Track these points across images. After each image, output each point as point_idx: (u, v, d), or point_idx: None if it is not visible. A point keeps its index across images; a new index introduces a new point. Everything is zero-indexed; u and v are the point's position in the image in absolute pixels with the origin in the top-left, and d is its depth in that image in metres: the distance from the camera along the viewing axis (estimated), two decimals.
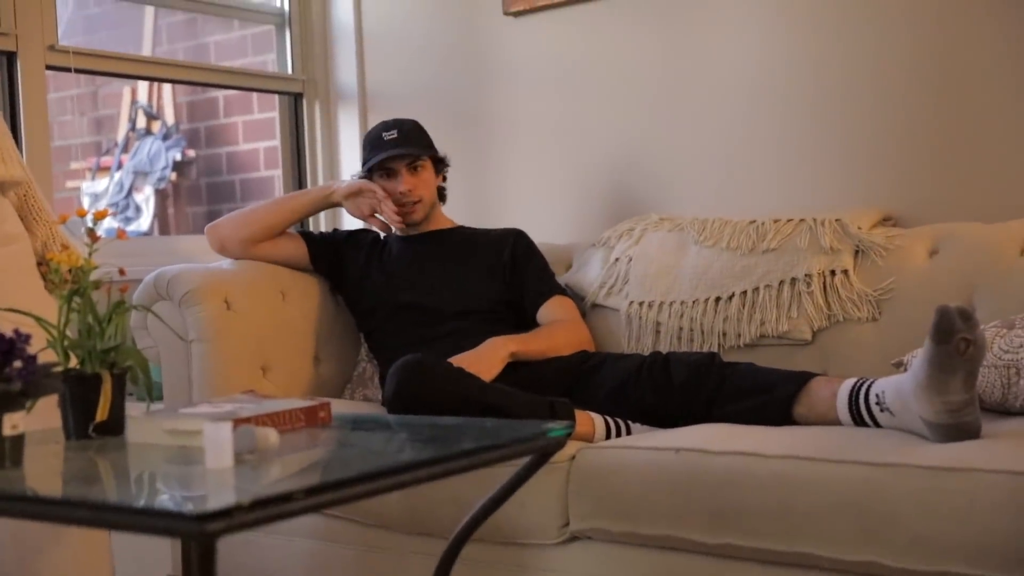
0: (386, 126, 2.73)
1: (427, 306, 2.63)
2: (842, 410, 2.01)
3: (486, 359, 2.38)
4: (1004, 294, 2.19)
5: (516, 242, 2.73)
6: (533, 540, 2.05)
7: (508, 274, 2.69)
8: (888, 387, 1.94)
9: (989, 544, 1.60)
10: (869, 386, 1.99)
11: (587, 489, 1.98)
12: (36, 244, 2.14)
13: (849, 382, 2.03)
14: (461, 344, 2.47)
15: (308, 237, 2.81)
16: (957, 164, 2.54)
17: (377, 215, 2.73)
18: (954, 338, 1.75)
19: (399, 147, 2.69)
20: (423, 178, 2.73)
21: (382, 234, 2.83)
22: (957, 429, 1.78)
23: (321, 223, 3.53)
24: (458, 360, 2.31)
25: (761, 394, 2.11)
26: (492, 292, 2.67)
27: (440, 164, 2.80)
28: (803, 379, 2.10)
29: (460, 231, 2.81)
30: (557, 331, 2.56)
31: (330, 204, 2.83)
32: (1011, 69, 2.47)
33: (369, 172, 2.74)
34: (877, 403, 1.95)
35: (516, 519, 2.02)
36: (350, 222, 3.47)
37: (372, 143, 2.74)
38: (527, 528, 2.04)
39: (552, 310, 2.63)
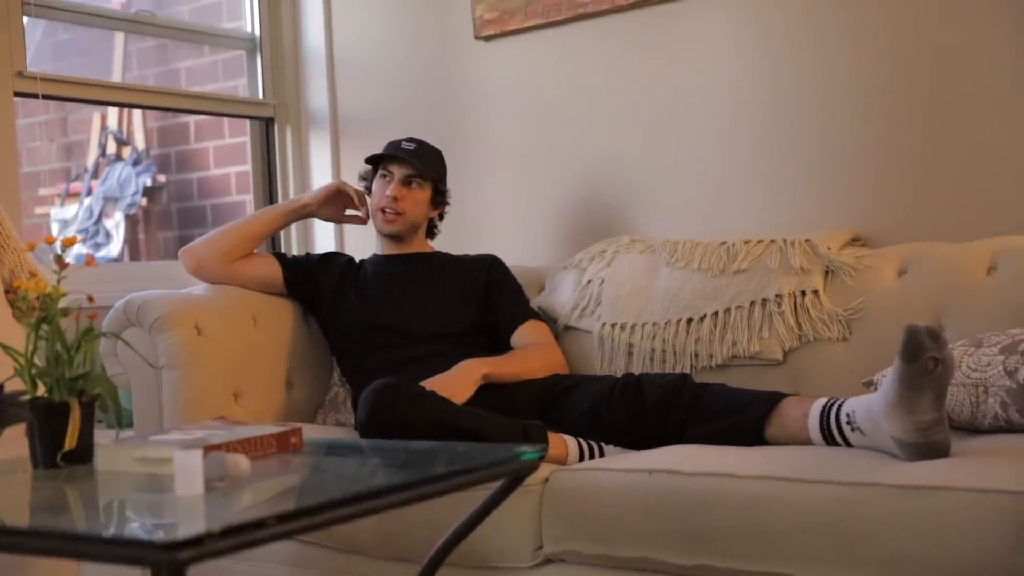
0: (410, 139, 2.77)
1: (400, 329, 2.62)
2: (813, 430, 2.02)
3: (459, 382, 2.38)
4: (972, 313, 2.21)
5: (491, 267, 2.73)
6: (507, 563, 2.04)
7: (482, 298, 2.69)
8: (858, 406, 1.95)
9: (960, 562, 1.61)
10: (840, 406, 2.00)
11: (561, 512, 1.97)
12: (4, 272, 2.12)
13: (820, 402, 2.04)
14: (434, 368, 2.46)
15: (282, 259, 2.80)
16: (925, 185, 2.57)
17: (350, 211, 2.83)
18: (923, 357, 1.77)
19: (407, 157, 2.71)
20: (415, 195, 2.72)
21: (357, 258, 2.83)
22: (927, 447, 1.79)
23: (293, 246, 3.53)
24: (430, 383, 2.31)
25: (733, 415, 2.12)
26: (466, 316, 2.67)
27: (439, 197, 2.79)
28: (774, 399, 2.11)
29: (436, 256, 2.81)
30: (530, 354, 2.56)
31: (304, 214, 2.86)
32: (981, 93, 2.50)
33: (373, 170, 2.78)
34: (848, 422, 1.96)
35: (490, 542, 2.01)
36: (322, 244, 3.47)
37: (389, 145, 2.77)
38: (501, 551, 2.03)
39: (526, 334, 2.63)
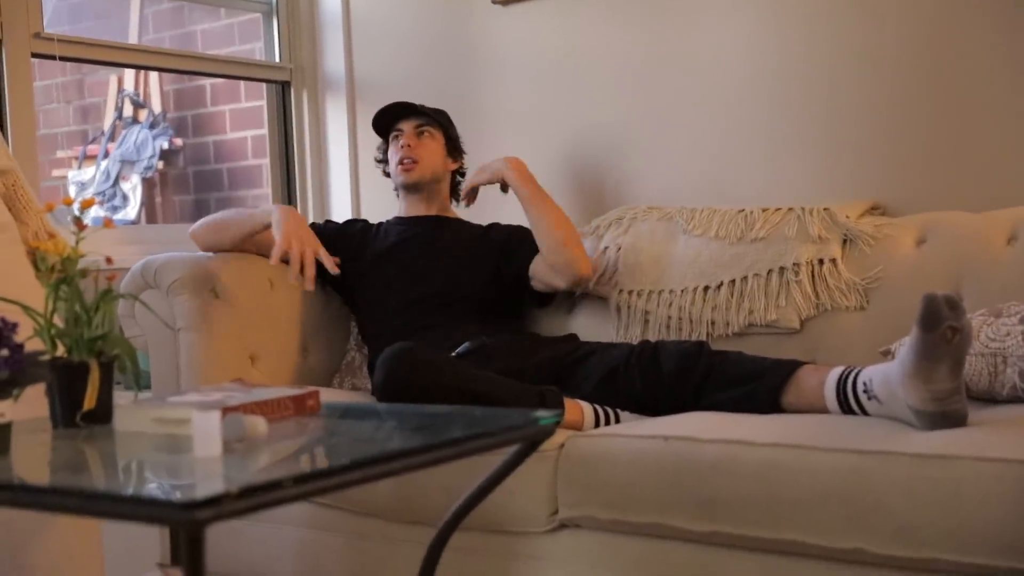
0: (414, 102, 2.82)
1: (418, 293, 2.63)
2: (830, 398, 2.02)
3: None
4: (991, 283, 2.20)
5: (514, 231, 2.73)
6: (522, 528, 2.05)
7: (500, 254, 2.68)
8: (875, 375, 1.94)
9: (975, 532, 1.61)
10: (857, 374, 1.99)
11: (576, 477, 1.98)
12: (27, 234, 2.13)
13: (837, 370, 2.04)
14: (451, 333, 2.47)
15: None
16: (945, 154, 2.55)
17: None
18: (941, 326, 1.76)
19: (413, 108, 2.77)
20: (427, 144, 2.77)
21: (374, 221, 2.83)
22: (943, 417, 1.79)
23: (310, 213, 3.52)
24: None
25: (749, 382, 2.12)
26: (485, 282, 2.66)
27: (453, 146, 2.81)
28: (791, 367, 2.11)
29: (458, 222, 2.81)
30: (564, 217, 2.62)
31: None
32: (999, 60, 2.48)
33: (385, 143, 2.84)
34: (864, 391, 1.96)
35: (505, 507, 2.02)
36: (339, 209, 3.47)
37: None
38: (516, 516, 2.04)
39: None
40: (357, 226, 2.82)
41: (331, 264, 2.54)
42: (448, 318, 2.57)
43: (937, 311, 1.76)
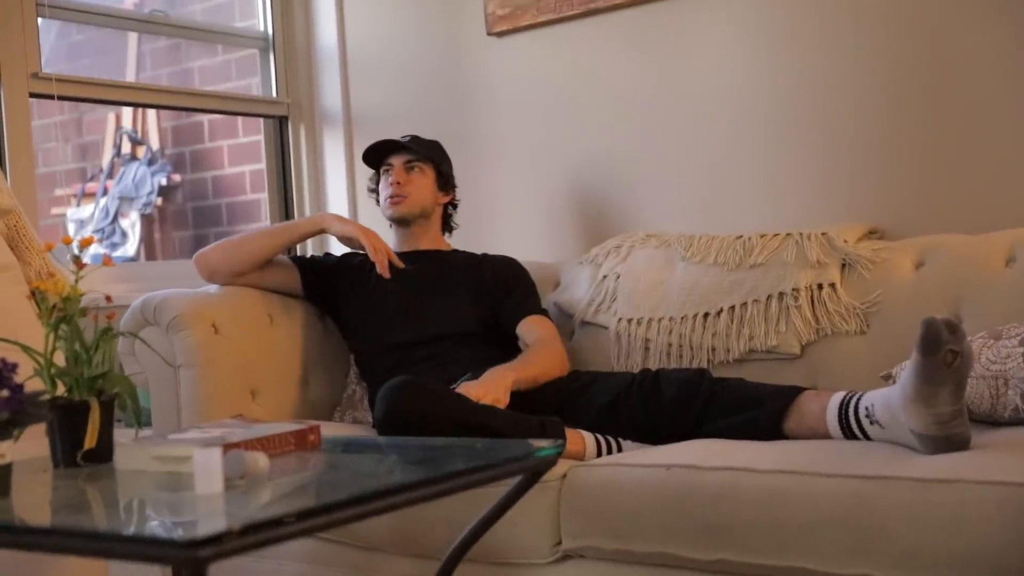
0: (405, 135, 2.82)
1: (412, 329, 2.62)
2: (832, 424, 2.02)
3: (494, 387, 2.28)
4: (990, 305, 2.20)
5: (505, 267, 2.73)
6: (526, 559, 2.04)
7: (490, 296, 2.68)
8: (877, 400, 1.94)
9: (979, 555, 1.60)
10: (858, 399, 1.99)
11: (579, 507, 1.97)
12: (30, 273, 2.14)
13: (838, 396, 2.03)
14: (447, 367, 2.46)
15: (301, 266, 2.78)
16: (942, 177, 2.56)
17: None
18: (941, 350, 1.76)
19: (403, 143, 2.77)
20: (417, 179, 2.76)
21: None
22: (946, 441, 1.78)
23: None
24: (466, 389, 2.27)
25: (751, 409, 2.11)
26: (478, 315, 2.66)
27: (444, 180, 2.81)
28: (792, 393, 2.10)
29: (451, 254, 2.81)
30: (545, 354, 2.50)
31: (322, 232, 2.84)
32: (994, 83, 2.49)
33: (377, 175, 2.84)
34: (867, 416, 1.96)
35: (508, 539, 2.01)
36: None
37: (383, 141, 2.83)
38: (520, 547, 2.03)
39: (531, 326, 2.60)
40: (355, 260, 2.82)
41: (398, 262, 2.68)
42: (445, 351, 2.56)
43: (937, 335, 1.76)
